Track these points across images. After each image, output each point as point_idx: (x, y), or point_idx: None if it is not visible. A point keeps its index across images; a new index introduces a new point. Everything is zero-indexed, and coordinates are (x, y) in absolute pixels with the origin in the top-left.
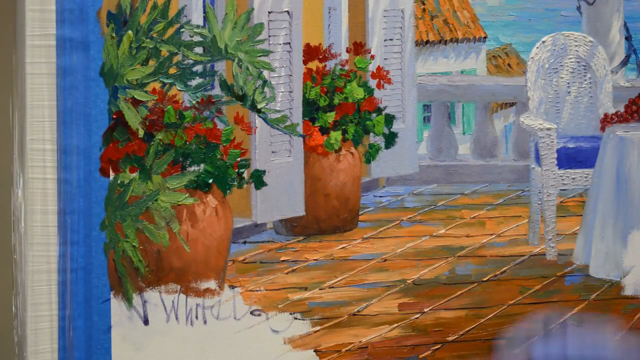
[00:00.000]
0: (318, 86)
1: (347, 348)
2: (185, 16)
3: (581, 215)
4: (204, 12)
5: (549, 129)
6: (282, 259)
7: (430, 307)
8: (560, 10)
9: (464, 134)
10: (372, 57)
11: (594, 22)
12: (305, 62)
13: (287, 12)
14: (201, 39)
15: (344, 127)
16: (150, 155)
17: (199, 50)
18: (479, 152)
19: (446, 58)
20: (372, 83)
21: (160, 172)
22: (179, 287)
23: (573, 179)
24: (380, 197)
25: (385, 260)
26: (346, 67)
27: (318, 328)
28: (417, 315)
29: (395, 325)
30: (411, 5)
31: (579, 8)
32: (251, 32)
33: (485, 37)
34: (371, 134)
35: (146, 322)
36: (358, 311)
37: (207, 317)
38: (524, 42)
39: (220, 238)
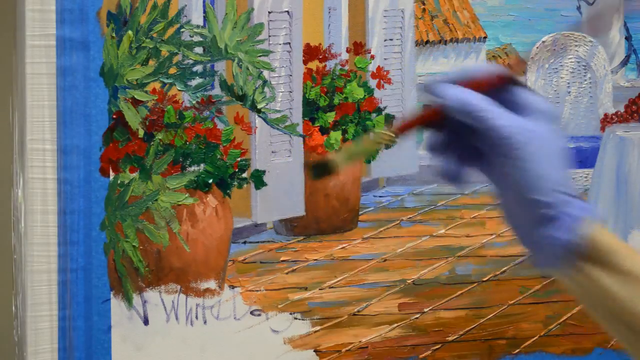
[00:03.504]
0: (318, 86)
1: (347, 348)
2: (185, 16)
3: None
4: (204, 12)
5: None
6: (282, 259)
7: (430, 307)
8: (560, 10)
9: None
10: (372, 57)
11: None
12: (305, 62)
13: (287, 12)
14: (201, 39)
15: (344, 127)
16: (150, 155)
17: (199, 50)
18: None
19: (446, 58)
20: (372, 83)
21: (160, 172)
22: (179, 287)
23: (573, 179)
24: (380, 197)
25: (385, 260)
26: (346, 67)
27: (318, 328)
28: (417, 315)
29: (395, 325)
30: (411, 5)
31: (579, 8)
32: (251, 32)
33: (485, 37)
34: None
35: (146, 322)
36: (358, 311)
37: (207, 317)
38: (524, 42)
39: (220, 238)
